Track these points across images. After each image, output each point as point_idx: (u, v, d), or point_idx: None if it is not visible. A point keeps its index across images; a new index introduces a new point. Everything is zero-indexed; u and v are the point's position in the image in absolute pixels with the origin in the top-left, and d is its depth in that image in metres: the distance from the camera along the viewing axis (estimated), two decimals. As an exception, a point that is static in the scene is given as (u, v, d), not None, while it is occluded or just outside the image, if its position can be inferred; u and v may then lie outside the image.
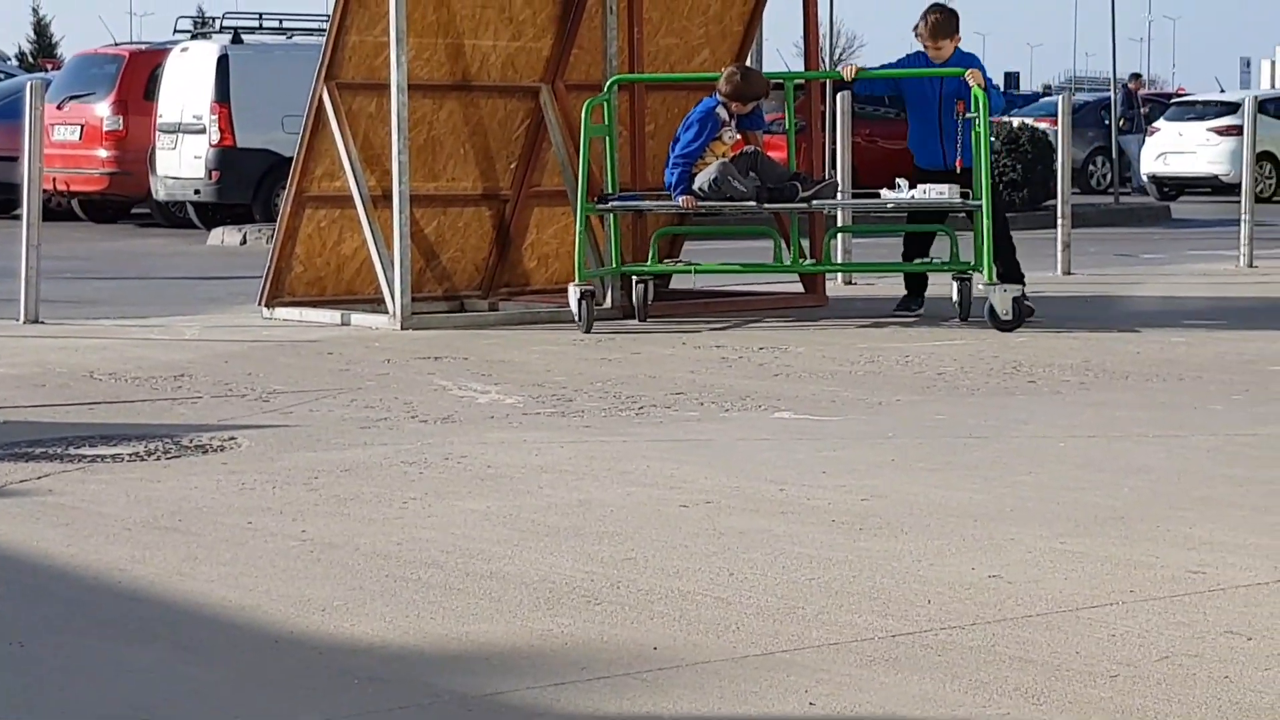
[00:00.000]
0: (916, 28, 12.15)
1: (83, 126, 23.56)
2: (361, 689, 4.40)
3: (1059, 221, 15.94)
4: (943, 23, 12.03)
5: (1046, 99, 45.02)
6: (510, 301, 12.88)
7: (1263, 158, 29.78)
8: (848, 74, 12.08)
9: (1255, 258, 16.82)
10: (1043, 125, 27.36)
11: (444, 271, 12.89)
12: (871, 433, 7.85)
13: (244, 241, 20.76)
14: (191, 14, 23.48)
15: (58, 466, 7.13)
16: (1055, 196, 16.80)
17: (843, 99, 15.78)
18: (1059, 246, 15.83)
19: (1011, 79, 71.80)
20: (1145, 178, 32.20)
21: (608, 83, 12.19)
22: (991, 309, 11.28)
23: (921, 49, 12.19)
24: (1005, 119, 30.73)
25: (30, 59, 69.10)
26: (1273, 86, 58.01)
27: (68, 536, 5.94)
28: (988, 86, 11.66)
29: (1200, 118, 32.20)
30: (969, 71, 11.70)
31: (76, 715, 4.23)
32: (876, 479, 6.81)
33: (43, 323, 11.85)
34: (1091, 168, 33.47)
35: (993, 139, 24.34)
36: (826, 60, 25.79)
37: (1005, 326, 11.22)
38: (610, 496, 6.52)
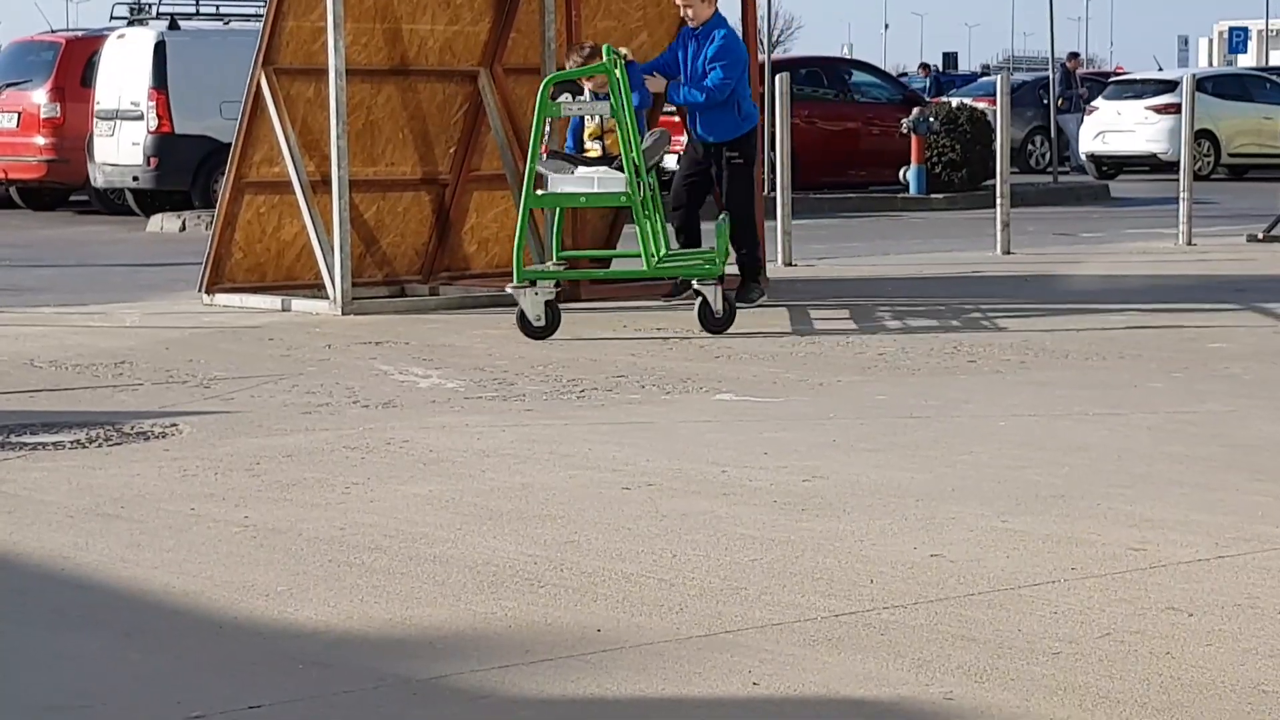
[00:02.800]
0: None
1: (20, 114, 23.40)
2: (306, 674, 4.40)
3: (998, 201, 16.00)
4: None
5: (985, 79, 45.18)
6: (451, 286, 12.86)
7: (1201, 135, 29.91)
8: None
9: (1194, 235, 16.91)
10: (981, 105, 27.44)
11: (384, 256, 12.87)
12: (813, 414, 7.87)
13: (183, 228, 20.67)
14: (128, 0, 23.27)
15: (-2, 455, 7.10)
16: (994, 176, 16.87)
17: (781, 81, 15.79)
18: (998, 226, 15.89)
19: (949, 59, 72.09)
20: (1084, 156, 32.31)
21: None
22: (704, 305, 10.44)
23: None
24: (944, 99, 30.83)
25: (-35, 46, 68.56)
26: (1211, 64, 58.37)
27: (10, 524, 5.92)
28: (711, 56, 11.46)
29: (1138, 96, 32.31)
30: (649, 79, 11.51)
31: (20, 703, 4.22)
32: (818, 459, 6.83)
33: (-19, 311, 11.80)
34: (1030, 147, 33.57)
35: (931, 119, 24.55)
36: (765, 42, 25.82)
37: (717, 327, 10.41)
38: (552, 479, 6.52)
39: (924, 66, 53.91)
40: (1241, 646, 4.52)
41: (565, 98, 10.73)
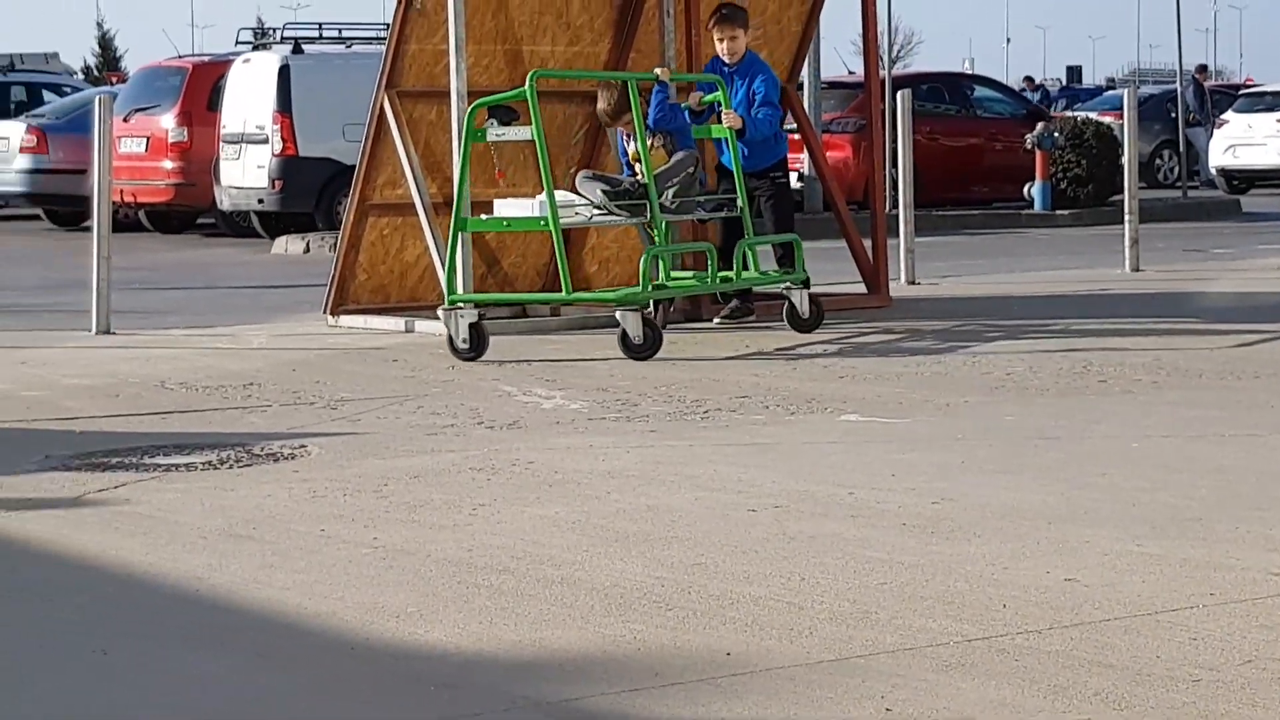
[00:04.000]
0: (708, 23, 12.11)
1: (148, 139, 23.66)
2: (437, 696, 4.40)
3: (1126, 217, 15.85)
4: (730, 15, 11.92)
5: (1111, 93, 44.78)
6: (572, 306, 12.86)
7: (1336, 148, 29.49)
8: (693, 102, 11.80)
9: (1326, 252, 16.68)
10: (1107, 119, 27.21)
11: (506, 277, 12.89)
12: (940, 435, 7.80)
13: (307, 250, 20.81)
14: (252, 25, 23.50)
15: (134, 476, 7.16)
16: (1121, 191, 16.71)
17: (903, 97, 15.72)
18: (1127, 242, 15.73)
19: (1074, 73, 71.62)
20: (1214, 171, 31.95)
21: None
22: (624, 335, 10.23)
23: (718, 55, 12.00)
24: (1069, 114, 30.58)
25: (95, 72, 69.54)
26: (1341, 76, 57.41)
27: (146, 545, 5.96)
28: (760, 101, 11.75)
29: (1270, 109, 31.89)
30: (726, 114, 11.60)
31: (153, 727, 4.24)
32: (946, 481, 6.77)
33: (114, 333, 11.89)
34: (1158, 161, 33.24)
35: (1056, 134, 24.38)
36: (885, 58, 25.73)
37: (639, 354, 10.18)
38: (678, 501, 6.50)
39: (1028, 80, 51.50)
40: (1386, 672, 4.43)
41: (491, 123, 10.86)
